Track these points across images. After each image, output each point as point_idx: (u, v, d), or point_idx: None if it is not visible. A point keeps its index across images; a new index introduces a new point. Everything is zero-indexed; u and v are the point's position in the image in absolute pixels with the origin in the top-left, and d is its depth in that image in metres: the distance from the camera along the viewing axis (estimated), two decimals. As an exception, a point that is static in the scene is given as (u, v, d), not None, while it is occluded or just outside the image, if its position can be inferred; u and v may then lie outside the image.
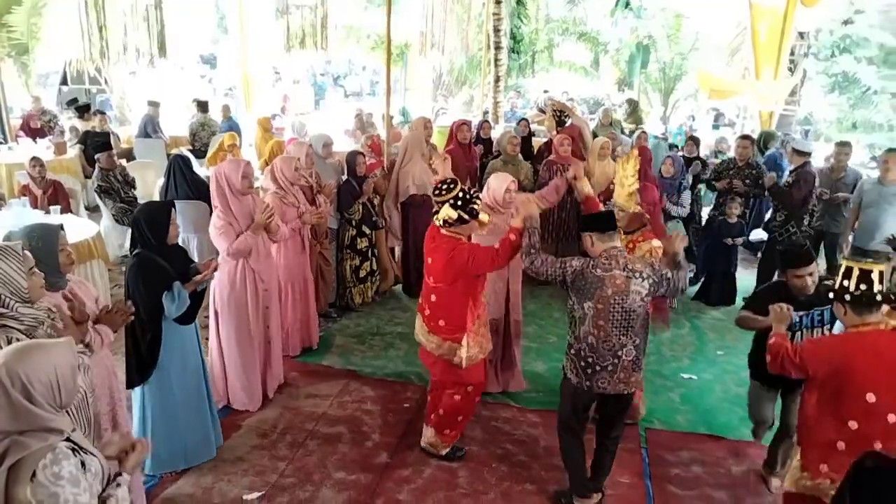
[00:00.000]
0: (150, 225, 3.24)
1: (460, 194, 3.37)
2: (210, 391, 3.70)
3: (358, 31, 17.07)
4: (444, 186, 3.42)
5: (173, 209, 3.36)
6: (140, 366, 3.30)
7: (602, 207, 4.07)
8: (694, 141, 7.28)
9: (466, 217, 3.37)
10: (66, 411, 1.85)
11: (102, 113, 9.91)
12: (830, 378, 2.66)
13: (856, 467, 1.20)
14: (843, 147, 6.48)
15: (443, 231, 3.45)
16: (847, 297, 2.63)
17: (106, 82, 14.31)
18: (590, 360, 3.11)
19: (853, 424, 2.61)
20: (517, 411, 4.38)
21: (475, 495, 3.50)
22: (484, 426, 4.16)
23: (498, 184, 4.13)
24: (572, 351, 3.21)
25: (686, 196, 6.30)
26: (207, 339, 4.78)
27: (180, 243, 5.18)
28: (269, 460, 3.73)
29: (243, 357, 4.16)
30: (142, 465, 3.25)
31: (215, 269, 3.51)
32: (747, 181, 6.40)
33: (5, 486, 1.64)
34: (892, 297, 2.69)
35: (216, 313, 4.12)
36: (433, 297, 3.53)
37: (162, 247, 3.27)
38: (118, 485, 1.89)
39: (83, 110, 10.07)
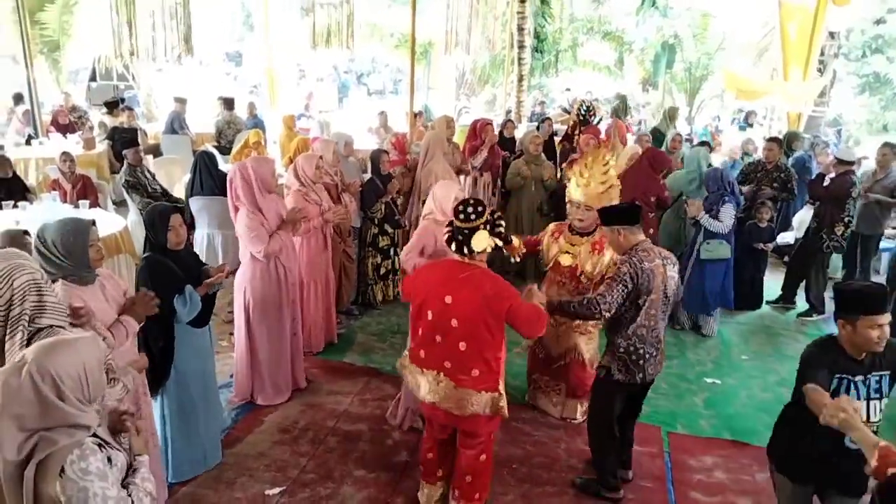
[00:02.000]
0: (149, 229, 3.21)
1: (490, 217, 2.88)
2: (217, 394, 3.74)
3: (381, 29, 17.13)
4: (472, 209, 2.85)
5: (178, 214, 3.24)
6: (155, 373, 3.23)
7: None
8: (707, 146, 7.00)
9: (501, 244, 2.92)
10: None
11: (130, 109, 10.06)
12: None
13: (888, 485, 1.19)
14: (883, 147, 6.27)
15: (466, 259, 2.89)
16: None
17: (133, 79, 14.56)
18: (641, 351, 3.18)
19: None
20: (538, 413, 4.35)
21: (494, 496, 3.48)
22: (504, 427, 4.12)
23: (445, 193, 3.67)
24: (620, 350, 3.21)
25: (727, 210, 5.36)
26: (231, 334, 4.85)
27: (206, 240, 5.33)
28: (290, 456, 3.75)
29: (275, 352, 4.21)
30: (163, 465, 3.30)
31: (227, 275, 3.45)
32: (775, 184, 6.32)
33: (34, 483, 1.65)
34: None
35: (248, 310, 4.14)
36: (462, 345, 2.85)
37: (166, 249, 3.21)
38: (135, 470, 1.91)
39: (112, 106, 10.23)
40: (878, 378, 2.49)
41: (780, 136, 7.77)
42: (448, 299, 2.83)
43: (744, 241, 6.11)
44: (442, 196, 3.66)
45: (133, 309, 2.82)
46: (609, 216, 3.22)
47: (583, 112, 7.68)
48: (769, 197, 6.26)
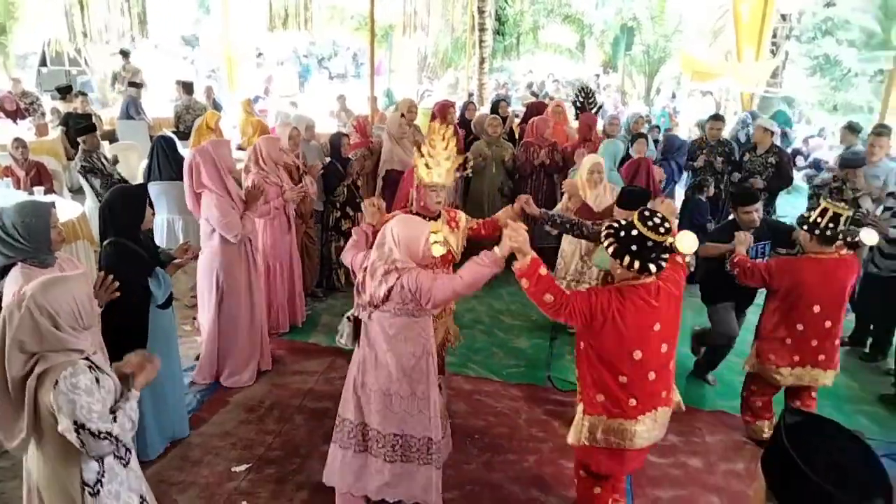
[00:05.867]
0: (126, 210, 3.18)
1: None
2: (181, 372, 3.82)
3: (342, 11, 16.96)
4: (659, 220, 2.51)
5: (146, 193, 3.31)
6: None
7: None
8: (644, 138, 6.62)
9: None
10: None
11: (84, 94, 9.81)
12: (789, 291, 3.50)
13: (781, 426, 1.30)
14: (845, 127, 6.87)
15: (651, 280, 2.57)
16: (817, 231, 3.37)
17: (86, 63, 14.15)
18: None
19: (800, 327, 3.52)
20: (500, 385, 4.49)
21: (457, 465, 3.59)
22: (466, 399, 4.26)
23: (411, 233, 2.77)
24: None
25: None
26: (194, 318, 4.86)
27: (166, 226, 5.30)
28: (256, 434, 3.81)
29: (246, 334, 4.27)
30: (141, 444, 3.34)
31: (195, 257, 3.52)
32: (720, 158, 6.61)
33: (34, 392, 2.01)
34: (848, 238, 3.47)
35: (220, 294, 4.16)
36: (672, 365, 2.69)
37: (136, 232, 3.23)
38: (126, 399, 2.20)
39: (65, 92, 9.97)
40: (762, 245, 4.02)
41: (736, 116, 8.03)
42: (657, 327, 2.55)
43: (688, 215, 6.23)
44: (408, 236, 2.76)
45: (96, 293, 2.83)
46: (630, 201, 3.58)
47: (581, 98, 7.72)
48: (718, 171, 6.53)
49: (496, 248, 2.65)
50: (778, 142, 6.89)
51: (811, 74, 17.96)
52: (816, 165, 8.97)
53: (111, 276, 2.85)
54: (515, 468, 3.63)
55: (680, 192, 7.88)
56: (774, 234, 4.12)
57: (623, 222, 2.58)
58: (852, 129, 6.68)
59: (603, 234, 2.61)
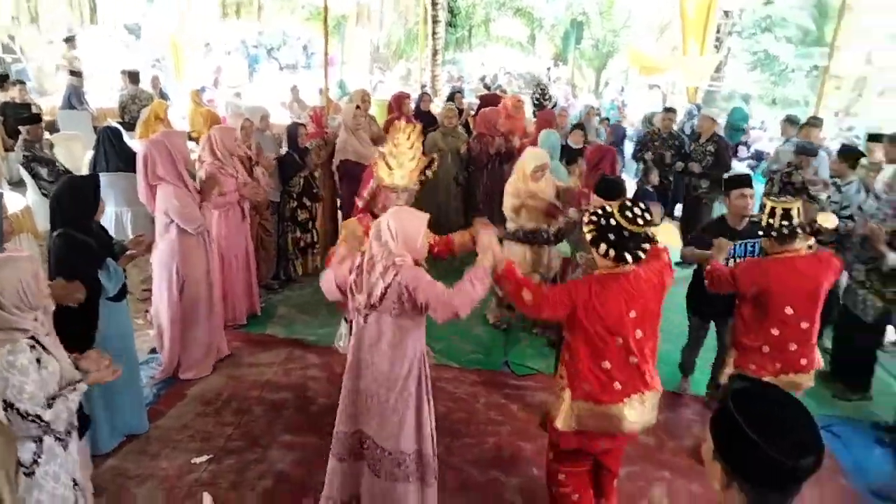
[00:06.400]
0: (77, 201, 3.10)
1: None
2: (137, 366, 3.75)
3: (293, 0, 16.71)
4: (640, 210, 2.54)
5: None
6: (79, 349, 3.19)
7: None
8: (581, 128, 6.83)
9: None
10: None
11: (22, 83, 9.42)
12: (758, 295, 3.22)
13: (729, 392, 1.40)
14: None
15: (630, 268, 2.59)
16: (774, 232, 3.15)
17: (21, 51, 13.55)
18: None
19: (775, 332, 3.23)
20: (458, 371, 4.56)
21: (419, 450, 3.65)
22: (426, 387, 4.31)
23: (409, 225, 2.62)
24: None
25: None
26: (147, 311, 4.77)
27: (115, 218, 5.17)
28: (214, 426, 3.78)
29: (207, 325, 4.25)
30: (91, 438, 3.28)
31: (148, 249, 3.45)
32: (671, 151, 6.82)
33: None
34: (808, 229, 3.23)
35: (181, 286, 4.10)
36: (650, 346, 2.70)
37: (88, 223, 3.16)
38: (73, 389, 2.23)
39: (1, 81, 9.55)
40: (752, 243, 3.75)
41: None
42: (633, 314, 2.58)
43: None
44: (405, 229, 2.60)
45: (56, 290, 2.73)
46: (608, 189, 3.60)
47: (538, 96, 7.85)
48: (670, 164, 6.72)
49: (479, 261, 2.64)
50: (721, 132, 7.17)
51: (752, 69, 18.64)
52: (758, 156, 9.40)
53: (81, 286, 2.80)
54: (475, 451, 3.71)
55: (624, 178, 8.11)
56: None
57: (605, 209, 2.59)
58: (791, 121, 7.07)
59: (585, 220, 2.66)
